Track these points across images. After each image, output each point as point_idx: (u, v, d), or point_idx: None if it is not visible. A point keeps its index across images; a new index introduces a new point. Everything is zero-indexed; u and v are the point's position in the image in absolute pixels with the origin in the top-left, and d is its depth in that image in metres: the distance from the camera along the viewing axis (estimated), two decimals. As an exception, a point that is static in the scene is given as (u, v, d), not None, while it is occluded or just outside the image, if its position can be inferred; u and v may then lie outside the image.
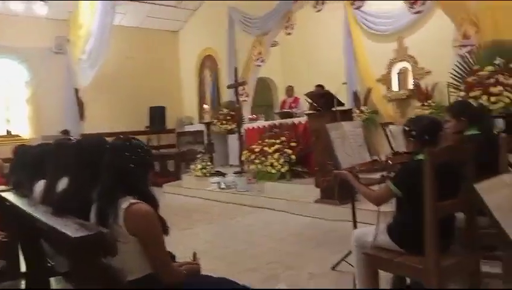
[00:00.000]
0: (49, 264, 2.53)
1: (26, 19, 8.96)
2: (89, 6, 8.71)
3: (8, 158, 4.34)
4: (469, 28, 5.21)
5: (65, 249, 1.64)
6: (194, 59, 11.01)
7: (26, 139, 9.04)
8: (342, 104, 5.32)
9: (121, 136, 1.84)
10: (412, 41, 7.77)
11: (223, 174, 7.99)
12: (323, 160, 5.07)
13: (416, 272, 2.15)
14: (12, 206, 2.54)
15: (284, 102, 8.61)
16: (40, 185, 2.54)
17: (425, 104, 6.82)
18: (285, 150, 6.61)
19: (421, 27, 7.51)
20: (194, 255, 2.07)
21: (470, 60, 5.03)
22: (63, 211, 1.81)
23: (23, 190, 2.75)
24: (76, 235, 1.43)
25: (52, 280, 2.52)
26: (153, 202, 1.73)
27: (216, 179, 7.76)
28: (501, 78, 4.60)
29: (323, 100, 5.24)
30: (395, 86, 8.11)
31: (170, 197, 8.13)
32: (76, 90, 9.77)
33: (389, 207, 2.42)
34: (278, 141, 6.76)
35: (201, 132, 9.91)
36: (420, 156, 2.14)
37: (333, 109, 4.75)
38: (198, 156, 8.56)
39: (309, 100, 5.58)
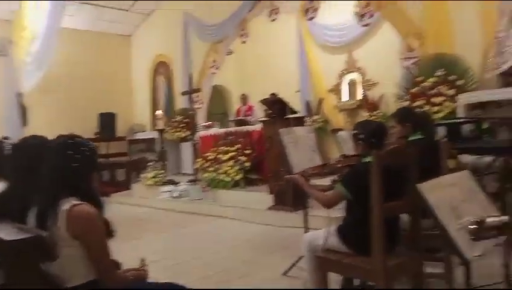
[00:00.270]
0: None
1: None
2: (34, 6, 8.28)
3: None
4: (413, 41, 5.52)
5: (1, 256, 1.51)
6: (147, 65, 10.77)
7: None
8: (295, 112, 5.43)
9: (64, 134, 1.73)
10: (361, 53, 8.12)
11: (175, 183, 7.83)
12: (277, 166, 5.11)
13: (364, 273, 2.20)
14: None
15: (238, 110, 8.63)
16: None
17: (373, 114, 7.11)
18: (240, 157, 6.61)
19: (369, 40, 7.87)
20: (142, 261, 1.99)
21: (414, 72, 5.32)
22: (1, 216, 1.67)
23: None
24: (11, 238, 1.32)
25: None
26: (97, 204, 1.64)
27: (168, 187, 7.58)
28: (442, 89, 4.92)
29: (277, 107, 5.31)
30: (345, 97, 8.41)
31: (119, 208, 7.82)
32: (19, 94, 9.21)
33: (341, 212, 2.47)
34: (232, 149, 6.75)
35: (153, 139, 9.68)
36: (368, 159, 2.21)
37: (287, 116, 4.82)
38: (150, 164, 8.33)
39: (264, 107, 5.63)
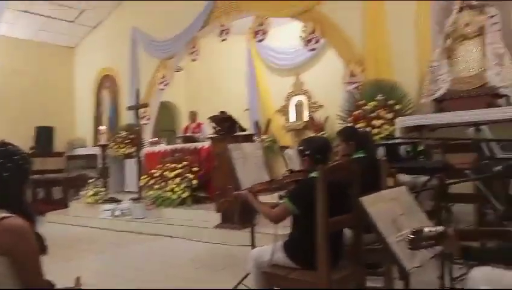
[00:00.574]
0: None
1: None
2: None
3: None
4: (355, 67, 5.82)
5: None
6: (91, 78, 10.35)
7: None
8: (245, 130, 5.47)
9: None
10: (307, 77, 8.45)
11: (117, 201, 7.49)
12: (225, 184, 5.07)
13: (310, 286, 2.22)
14: None
15: (186, 127, 8.52)
16: None
17: (318, 135, 7.35)
18: (187, 174, 6.48)
19: (315, 64, 8.23)
20: (77, 280, 1.85)
21: (356, 96, 5.60)
22: None
23: None
24: None
25: None
26: (29, 216, 1.52)
27: (109, 206, 7.21)
28: (382, 112, 5.21)
29: (226, 124, 5.31)
30: (292, 117, 8.65)
31: (55, 227, 7.32)
32: None
33: (288, 229, 2.49)
34: (179, 166, 6.60)
35: (94, 155, 9.23)
36: (313, 174, 2.26)
37: (236, 133, 4.84)
38: (90, 181, 7.92)
39: (213, 124, 5.61)
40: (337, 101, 6.25)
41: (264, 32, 6.94)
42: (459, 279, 2.78)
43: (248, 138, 5.34)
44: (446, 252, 2.27)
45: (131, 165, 8.50)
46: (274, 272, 2.35)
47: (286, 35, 8.01)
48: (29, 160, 1.65)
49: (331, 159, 2.45)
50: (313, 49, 6.67)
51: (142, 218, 6.54)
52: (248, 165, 3.09)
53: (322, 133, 7.40)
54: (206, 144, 6.73)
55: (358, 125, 5.07)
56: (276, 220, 2.43)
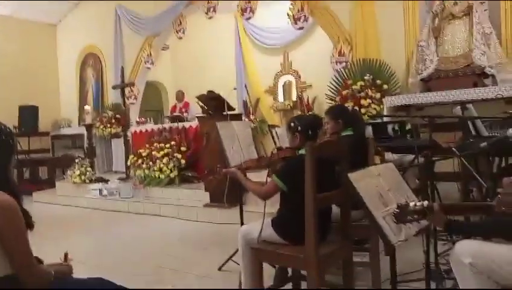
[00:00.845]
0: None
1: None
2: None
3: None
4: (344, 46, 5.79)
5: None
6: (75, 56, 10.09)
7: None
8: (233, 109, 5.43)
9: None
10: (296, 56, 8.37)
11: (105, 181, 7.44)
12: (213, 163, 5.07)
13: (298, 262, 2.26)
14: None
15: (174, 107, 8.44)
16: None
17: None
18: (175, 154, 6.45)
19: (304, 43, 8.15)
20: (65, 255, 1.85)
21: (344, 75, 5.59)
22: None
23: None
24: None
25: None
26: (15, 193, 1.50)
27: (97, 185, 7.17)
28: (370, 92, 5.22)
29: (214, 103, 5.27)
30: (280, 97, 8.62)
31: (42, 207, 7.26)
32: None
33: (276, 207, 2.50)
34: (167, 145, 6.56)
35: (81, 135, 9.10)
36: (302, 151, 2.27)
37: (224, 112, 4.81)
38: (77, 160, 7.82)
39: (200, 103, 5.56)
40: (325, 80, 6.24)
41: (252, 10, 6.82)
42: (443, 255, 2.86)
43: (236, 118, 5.31)
44: (431, 227, 2.33)
45: (118, 144, 8.42)
46: (262, 248, 2.37)
47: (274, 13, 7.88)
48: (14, 136, 1.61)
49: (320, 138, 2.46)
50: (301, 28, 6.59)
51: (130, 197, 6.53)
52: (237, 143, 3.08)
53: (310, 113, 7.40)
54: (194, 123, 6.68)
55: (346, 105, 5.08)
56: (265, 196, 2.44)
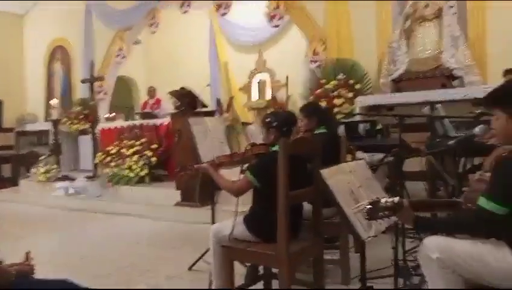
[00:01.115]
0: None
1: None
2: None
3: None
4: (318, 45, 5.83)
5: None
6: (42, 48, 9.71)
7: None
8: (206, 106, 5.37)
9: None
10: (270, 54, 8.37)
11: (71, 179, 7.19)
12: (185, 161, 4.98)
13: (269, 259, 2.23)
14: None
15: (145, 103, 8.25)
16: None
17: (281, 112, 7.37)
18: (146, 152, 6.31)
19: (279, 42, 8.15)
20: (27, 255, 1.75)
21: (318, 74, 5.63)
22: None
23: None
24: None
25: None
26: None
27: (63, 184, 6.93)
28: (342, 91, 5.28)
29: (187, 100, 5.19)
30: (255, 96, 8.59)
31: (4, 205, 6.94)
32: None
33: (248, 206, 2.47)
34: (137, 143, 6.41)
35: (46, 131, 8.77)
36: (275, 148, 2.25)
37: (196, 109, 4.74)
38: (42, 158, 7.53)
39: (172, 100, 5.46)
40: (300, 79, 6.26)
41: (228, 6, 6.76)
42: (411, 251, 2.91)
43: (209, 115, 5.25)
44: (399, 224, 2.36)
45: (85, 142, 8.15)
46: (233, 246, 2.33)
47: (250, 10, 7.85)
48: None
49: (293, 135, 2.45)
50: (276, 26, 6.60)
51: (98, 196, 6.34)
52: (209, 140, 3.03)
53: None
54: (166, 120, 6.56)
55: (320, 104, 5.11)
56: (237, 192, 2.40)
